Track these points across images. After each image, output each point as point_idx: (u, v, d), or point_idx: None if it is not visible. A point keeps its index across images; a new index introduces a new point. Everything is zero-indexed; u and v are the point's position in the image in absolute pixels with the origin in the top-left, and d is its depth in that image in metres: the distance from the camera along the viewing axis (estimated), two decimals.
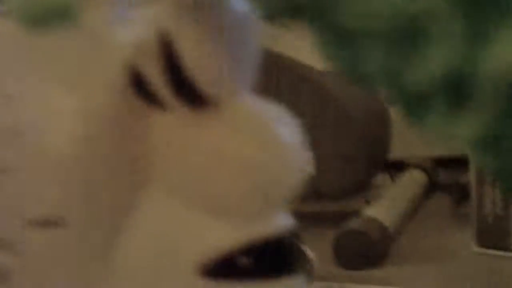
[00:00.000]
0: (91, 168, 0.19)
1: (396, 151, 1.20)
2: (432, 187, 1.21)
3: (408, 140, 1.06)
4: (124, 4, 0.21)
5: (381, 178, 1.33)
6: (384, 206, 1.15)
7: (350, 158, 1.24)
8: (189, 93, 0.19)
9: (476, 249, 0.87)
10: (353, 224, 1.04)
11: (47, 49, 0.21)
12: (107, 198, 0.19)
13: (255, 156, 0.19)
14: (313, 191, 1.32)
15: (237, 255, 0.18)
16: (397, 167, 1.48)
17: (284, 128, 0.19)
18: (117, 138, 0.20)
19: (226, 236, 0.18)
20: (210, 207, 0.18)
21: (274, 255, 0.18)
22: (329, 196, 1.24)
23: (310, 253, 0.90)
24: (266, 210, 0.18)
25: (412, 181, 1.27)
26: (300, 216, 1.08)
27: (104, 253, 0.19)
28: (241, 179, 0.19)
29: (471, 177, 0.88)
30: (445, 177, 1.18)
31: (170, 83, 0.19)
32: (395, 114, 1.07)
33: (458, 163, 1.06)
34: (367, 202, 1.17)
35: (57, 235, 0.19)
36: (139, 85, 0.19)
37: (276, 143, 0.19)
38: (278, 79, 1.23)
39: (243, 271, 0.18)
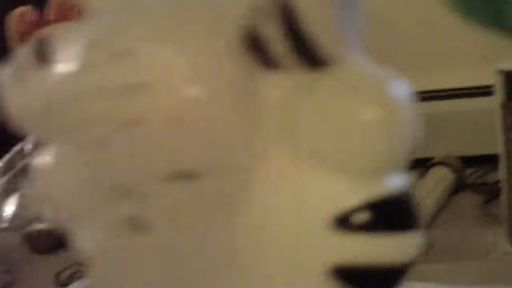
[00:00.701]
0: (215, 122, 0.21)
1: (424, 149, 1.22)
2: (459, 186, 1.23)
3: (436, 138, 1.09)
4: None
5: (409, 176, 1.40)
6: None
7: None
8: (306, 52, 0.20)
9: (509, 248, 0.89)
10: None
11: (163, 10, 0.22)
12: (228, 151, 0.21)
13: (376, 116, 0.19)
14: None
15: (361, 210, 0.19)
16: (424, 165, 1.49)
17: (399, 89, 0.20)
18: (239, 92, 0.21)
19: (351, 192, 0.19)
20: (333, 165, 0.19)
21: (394, 211, 0.19)
22: None
23: None
24: (386, 167, 0.19)
25: (439, 179, 1.28)
26: None
27: (230, 204, 0.21)
28: (363, 138, 0.19)
29: (501, 176, 0.89)
30: (473, 176, 1.20)
31: (288, 42, 0.20)
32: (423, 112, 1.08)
33: (487, 162, 1.08)
34: None
35: (188, 188, 0.21)
36: (253, 44, 0.20)
37: (394, 103, 0.19)
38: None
39: (367, 225, 0.20)
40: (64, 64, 0.22)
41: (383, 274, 0.19)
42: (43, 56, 0.24)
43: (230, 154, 0.20)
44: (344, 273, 0.19)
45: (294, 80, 0.20)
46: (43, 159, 0.25)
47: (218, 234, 0.20)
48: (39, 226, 1.52)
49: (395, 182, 0.19)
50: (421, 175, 1.33)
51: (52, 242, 1.59)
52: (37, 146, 1.50)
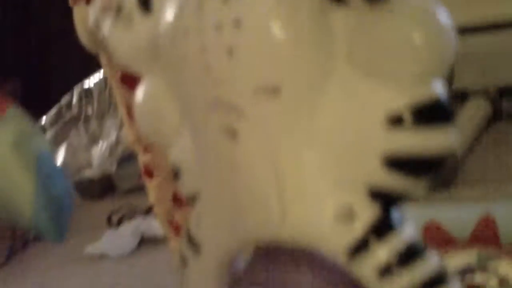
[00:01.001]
0: (298, 48, 0.23)
1: (461, 81, 1.23)
2: (496, 116, 1.24)
3: (472, 69, 1.10)
4: None
5: None
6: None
7: None
8: None
9: None
10: None
11: None
12: (310, 71, 0.23)
13: (421, 36, 0.22)
14: None
15: (410, 110, 0.22)
16: (462, 96, 1.50)
17: (442, 14, 0.22)
18: (315, 26, 0.23)
19: (402, 96, 0.21)
20: (387, 76, 0.22)
21: (437, 111, 0.22)
22: None
23: None
24: (430, 77, 0.22)
25: (476, 109, 1.29)
26: None
27: (309, 113, 0.23)
28: (418, 53, 0.22)
29: None
30: (509, 106, 1.21)
31: None
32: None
33: None
34: None
35: (273, 100, 0.23)
36: None
37: (437, 27, 0.22)
38: None
39: (415, 122, 0.21)
40: (165, 10, 0.26)
41: (427, 162, 0.23)
42: (146, 5, 0.27)
43: (307, 73, 0.23)
44: (396, 162, 0.23)
45: (358, 13, 0.23)
46: (141, 89, 0.29)
47: (300, 136, 0.24)
48: (89, 173, 1.59)
49: (437, 88, 0.22)
50: (459, 106, 1.35)
51: (101, 188, 1.65)
52: (81, 99, 1.54)
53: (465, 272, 0.64)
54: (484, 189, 0.95)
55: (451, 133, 0.23)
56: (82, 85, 1.58)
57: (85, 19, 0.68)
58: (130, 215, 1.34)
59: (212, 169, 0.27)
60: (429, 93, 0.22)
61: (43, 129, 1.48)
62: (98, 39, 0.68)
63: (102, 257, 1.19)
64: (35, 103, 1.71)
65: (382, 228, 0.23)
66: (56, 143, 1.56)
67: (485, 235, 0.66)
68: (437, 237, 0.67)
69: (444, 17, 0.22)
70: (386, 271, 0.23)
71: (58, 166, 0.35)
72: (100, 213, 1.43)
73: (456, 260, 0.66)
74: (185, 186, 0.29)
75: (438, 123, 0.22)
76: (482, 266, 0.64)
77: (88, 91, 1.58)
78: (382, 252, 0.23)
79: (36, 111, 1.61)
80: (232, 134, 0.25)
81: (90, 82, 1.58)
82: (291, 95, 0.23)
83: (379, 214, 0.23)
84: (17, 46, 2.30)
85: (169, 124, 0.28)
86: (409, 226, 0.24)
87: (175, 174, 0.29)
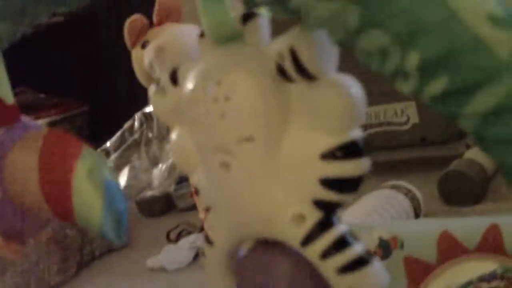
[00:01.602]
0: (266, 111, 0.34)
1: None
2: None
3: None
4: (267, 32, 0.37)
5: None
6: None
7: None
8: (305, 73, 0.33)
9: None
10: (456, 165, 1.15)
11: (237, 55, 0.37)
12: (273, 127, 0.34)
13: (344, 102, 0.32)
14: (420, 138, 1.44)
15: (342, 148, 0.33)
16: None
17: (355, 89, 0.33)
18: (275, 94, 0.34)
19: (332, 139, 0.33)
20: (321, 127, 0.33)
21: (356, 148, 0.33)
22: (434, 142, 1.37)
23: (418, 193, 1.03)
24: (348, 127, 0.33)
25: None
26: (409, 161, 1.21)
27: (273, 154, 0.35)
28: (342, 110, 0.32)
29: None
30: None
31: (296, 69, 0.33)
32: None
33: None
34: (468, 147, 1.26)
35: (250, 146, 0.35)
36: (280, 70, 0.34)
37: (352, 96, 0.32)
38: None
39: (346, 156, 0.33)
40: (185, 85, 0.38)
41: (350, 181, 0.33)
42: (174, 79, 0.39)
43: (271, 128, 0.35)
44: (329, 182, 0.33)
45: (301, 86, 0.34)
46: (173, 137, 0.41)
47: (269, 168, 0.36)
48: (150, 193, 1.69)
49: (354, 134, 0.33)
50: None
51: (161, 206, 1.76)
52: (142, 124, 1.65)
53: (489, 279, 0.71)
54: (510, 206, 1.00)
55: (364, 162, 0.34)
56: (143, 110, 1.69)
57: (141, 60, 0.79)
58: (187, 231, 1.44)
59: (217, 190, 0.38)
60: (349, 138, 0.33)
61: (107, 152, 1.59)
62: (151, 77, 0.79)
63: (161, 269, 1.29)
64: (101, 127, 1.82)
65: (323, 226, 0.34)
66: (119, 165, 1.65)
67: (492, 245, 0.71)
68: (450, 246, 0.73)
69: (355, 88, 0.33)
70: (324, 255, 0.34)
71: (119, 189, 0.47)
72: (160, 229, 1.53)
73: (482, 267, 0.72)
74: (203, 201, 0.40)
75: (355, 157, 0.33)
76: (503, 275, 0.71)
77: (149, 116, 1.68)
78: (322, 242, 0.34)
79: (101, 135, 1.71)
80: (226, 167, 0.36)
81: (151, 107, 1.68)
82: (261, 141, 0.35)
83: (322, 217, 0.34)
84: (86, 73, 2.43)
85: (191, 160, 0.40)
86: (343, 225, 0.35)
87: (196, 192, 0.41)
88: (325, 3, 0.28)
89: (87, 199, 0.43)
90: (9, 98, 0.48)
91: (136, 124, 1.67)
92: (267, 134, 0.34)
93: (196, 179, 0.40)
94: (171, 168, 1.60)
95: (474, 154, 1.16)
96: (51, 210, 0.44)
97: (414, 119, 1.30)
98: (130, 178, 1.64)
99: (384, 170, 1.43)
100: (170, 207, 1.78)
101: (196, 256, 1.33)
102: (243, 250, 0.40)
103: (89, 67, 2.43)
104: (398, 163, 1.41)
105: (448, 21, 0.27)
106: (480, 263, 0.73)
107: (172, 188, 1.63)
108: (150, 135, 1.64)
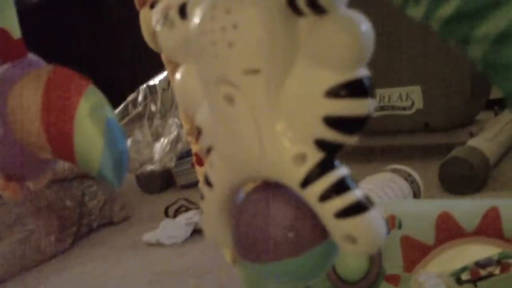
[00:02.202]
0: (274, 43, 0.33)
1: (498, 91, 1.28)
2: None
3: None
4: None
5: (485, 114, 1.45)
6: (486, 138, 1.26)
7: (457, 95, 1.34)
8: (315, 5, 0.32)
9: None
10: (457, 152, 1.17)
11: None
12: (280, 60, 0.34)
13: (353, 38, 0.31)
14: (423, 125, 1.43)
15: (347, 85, 0.32)
16: (500, 104, 1.54)
17: (364, 26, 0.32)
18: (284, 27, 0.33)
19: (340, 76, 0.32)
20: (328, 64, 0.32)
21: (362, 86, 0.32)
22: (437, 129, 1.38)
23: (418, 177, 1.03)
24: (355, 65, 0.32)
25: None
26: (412, 146, 1.21)
27: (278, 88, 0.34)
28: (349, 47, 0.32)
29: None
30: None
31: (306, 1, 0.32)
32: None
33: None
34: (471, 135, 1.27)
35: (256, 78, 0.34)
36: (290, 3, 0.33)
37: (360, 32, 0.31)
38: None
39: (351, 94, 0.32)
40: (193, 18, 0.37)
41: (354, 121, 0.32)
42: (183, 12, 0.38)
43: (277, 61, 0.34)
44: (332, 121, 0.32)
45: (310, 20, 0.33)
46: (179, 73, 0.40)
47: (273, 102, 0.35)
48: (150, 167, 1.69)
49: (361, 72, 0.32)
50: (496, 114, 1.40)
51: (161, 183, 1.76)
52: (146, 97, 1.63)
53: (485, 264, 0.70)
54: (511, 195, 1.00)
55: (370, 102, 0.33)
56: (147, 83, 1.68)
57: (149, 21, 0.78)
58: (185, 207, 1.44)
59: (219, 127, 0.38)
60: (355, 75, 0.33)
61: None
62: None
63: (158, 244, 1.29)
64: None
65: (324, 167, 0.34)
66: None
67: (490, 228, 0.71)
68: (448, 227, 0.73)
69: (365, 25, 0.33)
70: (323, 197, 0.34)
71: (120, 129, 0.46)
72: (159, 205, 1.54)
73: (479, 251, 0.72)
74: (204, 141, 0.40)
75: (361, 96, 0.33)
76: (499, 261, 0.70)
77: (153, 89, 1.68)
78: (321, 184, 0.34)
79: None
80: (230, 100, 0.36)
81: (155, 80, 1.69)
82: (266, 75, 0.34)
83: (323, 158, 0.34)
84: (89, 44, 2.43)
85: (196, 96, 0.39)
86: (343, 168, 0.34)
87: (199, 132, 0.40)
88: None
89: (88, 136, 0.43)
90: (17, 33, 0.47)
91: (140, 97, 1.67)
92: (273, 67, 0.34)
93: (200, 118, 0.39)
94: (173, 143, 1.60)
95: (477, 142, 1.16)
96: (52, 148, 0.43)
97: (419, 104, 1.30)
98: (131, 151, 1.63)
99: (386, 155, 1.43)
100: (169, 183, 1.79)
101: (193, 232, 1.34)
102: (243, 194, 0.39)
103: (92, 38, 2.42)
104: (401, 148, 1.41)
105: None
106: (477, 246, 0.73)
107: (173, 163, 1.65)
108: (153, 108, 1.63)
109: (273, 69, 0.34)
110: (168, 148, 1.61)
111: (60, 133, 0.43)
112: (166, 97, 1.57)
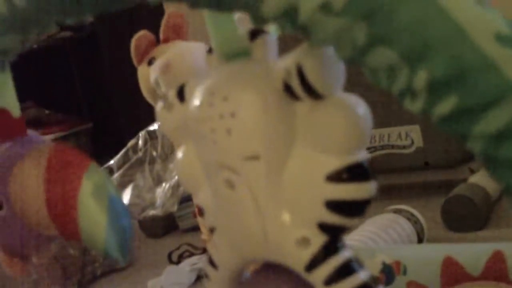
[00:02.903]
0: (272, 130, 0.34)
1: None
2: None
3: None
4: (275, 49, 0.37)
5: None
6: (486, 174, 1.27)
7: None
8: (311, 91, 0.32)
9: None
10: (459, 190, 1.15)
11: (243, 72, 0.36)
12: (279, 145, 0.34)
13: (350, 122, 0.32)
14: (424, 162, 1.43)
15: (348, 170, 0.32)
16: None
17: (362, 109, 0.32)
18: (281, 112, 0.34)
19: (341, 161, 0.32)
20: (327, 149, 0.32)
21: (362, 170, 0.33)
22: (437, 166, 1.38)
23: (421, 217, 1.03)
24: (354, 149, 0.32)
25: None
26: (412, 185, 1.21)
27: (278, 173, 0.34)
28: (348, 132, 0.32)
29: None
30: None
31: (302, 87, 0.32)
32: None
33: None
34: (472, 171, 1.26)
35: (255, 164, 0.34)
36: (287, 88, 0.33)
37: (358, 116, 0.32)
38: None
39: (352, 178, 0.32)
40: (191, 102, 0.37)
41: (356, 205, 0.33)
42: (181, 95, 0.38)
43: (276, 147, 0.34)
44: (334, 205, 0.33)
45: (307, 105, 0.33)
46: (179, 154, 0.40)
47: (274, 188, 0.35)
48: (152, 212, 1.69)
49: (361, 156, 0.33)
50: None
51: (164, 227, 1.75)
52: (147, 142, 1.64)
53: None
54: None
55: (371, 185, 0.33)
56: (147, 128, 1.69)
57: (147, 78, 0.79)
58: (189, 252, 1.44)
59: (222, 210, 0.38)
60: (355, 159, 0.33)
61: (111, 170, 1.59)
62: (157, 94, 0.78)
63: None
64: (105, 145, 1.82)
65: (328, 251, 0.34)
66: (123, 183, 1.65)
67: (496, 271, 0.71)
68: (453, 272, 0.73)
69: (362, 108, 0.33)
70: (329, 281, 0.33)
71: (124, 205, 0.46)
72: (162, 250, 1.53)
73: None
74: (207, 221, 0.40)
75: (362, 179, 0.33)
76: None
77: (153, 135, 1.68)
78: (326, 268, 0.34)
79: (105, 153, 1.70)
80: (231, 185, 0.36)
81: (155, 126, 1.69)
82: (266, 161, 0.35)
83: (327, 241, 0.34)
84: (90, 91, 2.44)
85: (197, 178, 0.40)
86: (347, 250, 0.34)
87: (201, 213, 0.41)
88: (332, 19, 0.27)
89: (92, 215, 0.43)
90: (16, 111, 0.48)
91: (140, 142, 1.67)
92: (273, 152, 0.34)
93: (201, 198, 0.40)
94: (175, 188, 1.60)
95: (478, 179, 1.16)
96: (57, 227, 0.44)
97: (418, 142, 1.29)
98: (133, 197, 1.63)
99: (387, 194, 1.43)
100: (172, 227, 1.78)
101: (198, 278, 1.33)
102: (247, 274, 0.39)
103: (93, 84, 2.44)
104: (401, 187, 1.41)
105: (455, 38, 0.27)
106: None
107: (175, 208, 1.64)
108: (154, 153, 1.63)
109: (272, 155, 0.34)
110: (170, 192, 1.60)
111: (64, 212, 0.43)
112: (167, 142, 1.57)
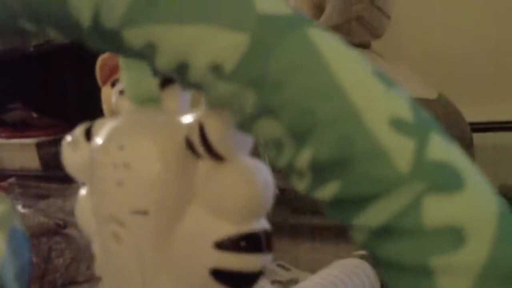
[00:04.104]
0: (166, 186, 0.32)
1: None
2: None
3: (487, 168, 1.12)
4: (186, 101, 0.36)
5: None
6: None
7: None
8: (211, 151, 0.31)
9: None
10: None
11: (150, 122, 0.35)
12: (172, 204, 0.32)
13: (248, 191, 0.30)
14: None
15: (239, 239, 0.30)
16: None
17: (264, 172, 0.31)
18: (180, 168, 0.32)
19: (233, 228, 0.30)
20: (223, 213, 0.31)
21: (256, 241, 0.31)
22: None
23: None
24: (252, 217, 0.31)
25: None
26: None
27: (167, 233, 0.32)
28: (244, 200, 0.30)
29: None
30: None
31: (203, 145, 0.31)
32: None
33: None
34: None
35: (144, 220, 0.32)
36: (189, 145, 0.32)
37: (260, 183, 0.30)
38: None
39: (242, 248, 0.30)
40: (94, 143, 0.35)
41: (245, 276, 0.31)
42: (88, 135, 0.36)
43: (168, 205, 0.32)
44: (220, 275, 0.31)
45: (207, 164, 0.31)
46: (80, 194, 0.38)
47: (160, 247, 0.33)
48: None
49: (257, 225, 0.31)
50: None
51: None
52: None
53: None
54: None
55: (264, 258, 0.31)
56: None
57: (109, 99, 0.77)
58: None
59: (107, 262, 0.36)
60: (250, 229, 0.31)
61: None
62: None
63: None
64: None
65: None
66: None
67: None
68: None
69: (266, 174, 0.31)
70: None
71: (26, 239, 0.44)
72: None
73: None
74: (96, 270, 0.37)
75: (252, 251, 0.31)
76: None
77: None
78: None
79: None
80: (118, 238, 0.34)
81: None
82: (155, 217, 0.32)
83: None
84: (81, 96, 2.42)
85: (89, 223, 0.37)
86: None
87: (92, 259, 0.38)
88: (223, 82, 0.26)
89: None
90: None
91: None
92: (164, 210, 0.32)
93: (94, 245, 0.37)
94: None
95: None
96: None
97: None
98: None
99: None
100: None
101: None
102: None
103: (86, 92, 2.42)
104: None
105: (345, 118, 0.24)
106: None
107: None
108: None
109: (163, 212, 0.32)
110: None
111: None
112: None
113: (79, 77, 2.41)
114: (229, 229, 0.30)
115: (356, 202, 0.24)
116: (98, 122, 0.36)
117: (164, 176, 0.32)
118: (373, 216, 0.24)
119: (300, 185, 0.26)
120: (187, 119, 0.32)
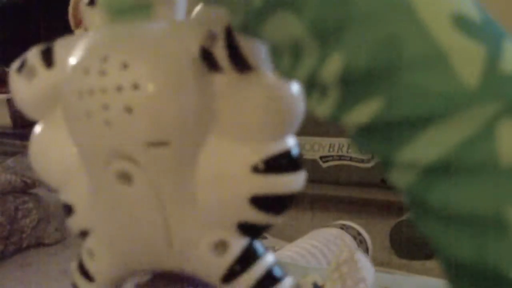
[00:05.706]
0: (186, 108, 0.26)
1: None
2: None
3: None
4: (183, 5, 0.29)
5: None
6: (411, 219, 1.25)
7: None
8: (238, 60, 0.25)
9: None
10: (409, 215, 1.15)
11: (151, 34, 0.28)
12: (193, 128, 0.26)
13: (275, 104, 0.26)
14: (380, 180, 1.38)
15: (275, 158, 0.26)
16: None
17: (293, 87, 0.26)
18: (197, 85, 0.26)
19: (260, 150, 0.26)
20: (249, 136, 0.26)
21: (288, 160, 0.27)
22: (393, 187, 1.46)
23: (368, 237, 0.97)
24: (281, 135, 0.27)
25: None
26: (365, 201, 1.15)
27: (191, 166, 0.27)
28: (270, 117, 0.26)
29: None
30: None
31: (229, 55, 0.25)
32: None
33: None
34: None
35: (163, 152, 0.26)
36: (206, 56, 0.26)
37: (288, 97, 0.26)
38: None
39: (273, 168, 0.26)
40: (69, 67, 0.28)
41: (281, 200, 0.27)
42: (48, 59, 0.29)
43: (190, 132, 0.27)
44: (259, 201, 0.27)
45: (227, 78, 0.27)
46: (36, 135, 0.31)
47: (182, 182, 0.27)
48: None
49: (288, 143, 0.27)
50: None
51: None
52: None
53: None
54: None
55: (299, 176, 0.27)
56: None
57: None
58: None
59: (107, 209, 0.30)
60: (281, 147, 0.27)
61: None
62: None
63: None
64: None
65: (249, 257, 0.28)
66: None
67: None
68: None
69: (294, 89, 0.26)
70: None
71: None
72: None
73: None
74: (77, 223, 0.31)
75: (288, 170, 0.27)
76: None
77: None
78: (248, 279, 0.28)
79: None
80: (127, 179, 0.28)
81: None
82: (176, 148, 0.26)
83: (247, 245, 0.28)
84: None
85: (61, 166, 0.31)
86: (269, 254, 0.28)
87: (68, 211, 0.31)
88: None
89: None
90: None
91: None
92: (185, 137, 0.27)
93: (72, 193, 0.31)
94: None
95: None
96: None
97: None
98: None
99: (336, 207, 1.38)
100: None
101: None
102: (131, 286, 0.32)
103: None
104: (353, 201, 1.36)
105: (391, 11, 0.17)
106: None
107: None
108: None
109: (185, 141, 0.26)
110: None
111: None
112: None
113: (52, 26, 2.34)
114: (259, 153, 0.26)
115: (403, 127, 0.18)
116: (61, 43, 0.30)
117: (183, 96, 0.26)
118: (427, 148, 0.18)
119: (322, 106, 0.19)
120: (201, 26, 0.26)
